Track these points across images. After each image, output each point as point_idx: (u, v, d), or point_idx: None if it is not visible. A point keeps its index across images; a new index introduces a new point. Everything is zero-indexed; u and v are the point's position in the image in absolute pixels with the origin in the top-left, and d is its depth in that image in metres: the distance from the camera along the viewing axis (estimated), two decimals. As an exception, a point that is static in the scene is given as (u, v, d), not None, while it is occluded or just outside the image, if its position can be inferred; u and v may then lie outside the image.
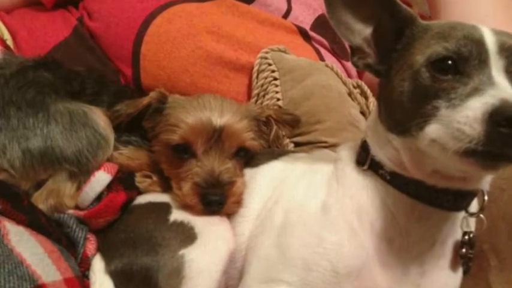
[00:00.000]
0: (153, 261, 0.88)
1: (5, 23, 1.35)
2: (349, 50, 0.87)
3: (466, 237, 0.83)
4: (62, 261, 0.84)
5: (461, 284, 0.87)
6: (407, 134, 0.75)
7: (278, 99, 1.22)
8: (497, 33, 0.74)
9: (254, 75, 1.26)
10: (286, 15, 1.42)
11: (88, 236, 0.96)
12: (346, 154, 0.90)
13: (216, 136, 1.01)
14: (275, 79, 1.24)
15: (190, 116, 1.02)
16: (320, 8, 1.47)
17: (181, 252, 0.90)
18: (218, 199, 0.98)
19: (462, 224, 0.83)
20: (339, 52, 1.45)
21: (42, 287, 0.74)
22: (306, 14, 1.46)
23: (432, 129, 0.70)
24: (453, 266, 0.84)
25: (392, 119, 0.80)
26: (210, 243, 0.92)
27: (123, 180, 1.02)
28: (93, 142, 1.00)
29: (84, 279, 0.90)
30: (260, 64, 1.25)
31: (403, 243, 0.81)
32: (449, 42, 0.73)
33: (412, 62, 0.76)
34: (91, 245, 0.96)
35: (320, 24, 1.45)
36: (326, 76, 1.26)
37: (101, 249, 0.96)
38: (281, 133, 1.19)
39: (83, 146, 0.98)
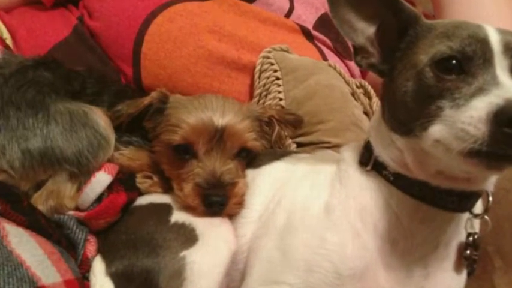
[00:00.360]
0: (154, 263, 0.88)
1: (4, 22, 1.35)
2: (352, 49, 0.87)
3: (471, 238, 0.82)
4: (62, 262, 0.83)
5: (465, 285, 0.86)
6: (411, 135, 0.75)
7: (280, 99, 1.22)
8: (502, 32, 0.74)
9: (256, 75, 1.25)
10: (288, 15, 1.42)
11: (88, 237, 0.96)
12: (349, 155, 0.90)
13: (218, 136, 1.01)
14: (277, 79, 1.23)
15: (191, 116, 1.01)
16: (323, 6, 1.47)
17: (182, 254, 0.89)
18: (220, 200, 0.97)
19: (466, 226, 0.82)
20: (341, 51, 1.45)
21: (41, 289, 0.74)
22: (308, 13, 1.45)
23: (436, 130, 0.70)
24: (457, 268, 0.84)
25: (396, 119, 0.79)
26: (212, 245, 0.92)
27: (124, 181, 1.01)
28: (93, 142, 0.99)
29: (84, 281, 0.89)
30: (262, 64, 1.25)
31: (406, 245, 0.81)
32: (454, 42, 0.72)
33: (416, 61, 0.75)
34: (91, 247, 0.95)
35: (323, 23, 1.45)
36: (329, 76, 1.26)
37: (102, 250, 0.95)
38: (283, 133, 1.18)
39: (83, 146, 0.98)
